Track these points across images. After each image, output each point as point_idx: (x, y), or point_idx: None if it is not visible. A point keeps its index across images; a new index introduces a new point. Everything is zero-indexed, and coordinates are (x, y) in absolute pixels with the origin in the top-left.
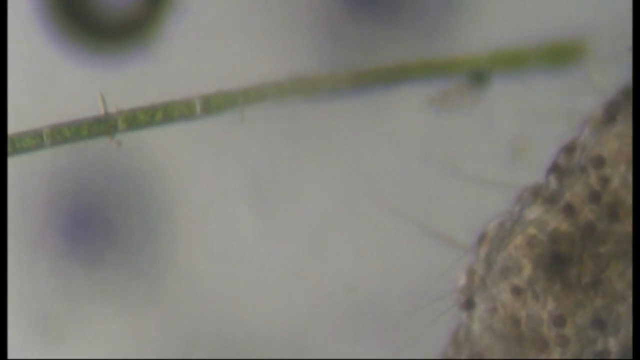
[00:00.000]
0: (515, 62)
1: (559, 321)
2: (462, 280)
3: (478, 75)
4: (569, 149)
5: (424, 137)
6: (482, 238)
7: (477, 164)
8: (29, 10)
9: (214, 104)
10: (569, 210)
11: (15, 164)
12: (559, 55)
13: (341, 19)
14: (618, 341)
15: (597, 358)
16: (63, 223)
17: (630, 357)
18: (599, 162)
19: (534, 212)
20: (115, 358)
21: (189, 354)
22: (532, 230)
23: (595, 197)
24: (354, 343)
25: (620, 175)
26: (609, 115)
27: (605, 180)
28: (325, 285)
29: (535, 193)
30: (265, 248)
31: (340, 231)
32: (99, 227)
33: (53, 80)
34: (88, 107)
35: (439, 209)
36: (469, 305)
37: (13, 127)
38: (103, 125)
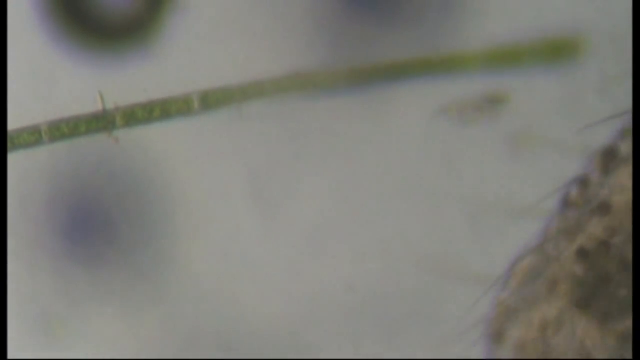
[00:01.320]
0: (513, 58)
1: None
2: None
3: (494, 96)
4: (609, 153)
5: (425, 137)
6: (512, 269)
7: (478, 162)
8: (29, 10)
9: (212, 100)
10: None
11: (15, 164)
12: (557, 52)
13: (340, 17)
14: None
15: (600, 358)
16: (63, 223)
17: None
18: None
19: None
20: (115, 358)
21: (189, 353)
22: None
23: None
24: (354, 343)
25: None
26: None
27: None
28: (326, 285)
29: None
30: (265, 247)
31: (340, 231)
32: (99, 226)
33: (53, 80)
34: (87, 107)
35: (438, 208)
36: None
37: (12, 124)
38: (101, 122)
